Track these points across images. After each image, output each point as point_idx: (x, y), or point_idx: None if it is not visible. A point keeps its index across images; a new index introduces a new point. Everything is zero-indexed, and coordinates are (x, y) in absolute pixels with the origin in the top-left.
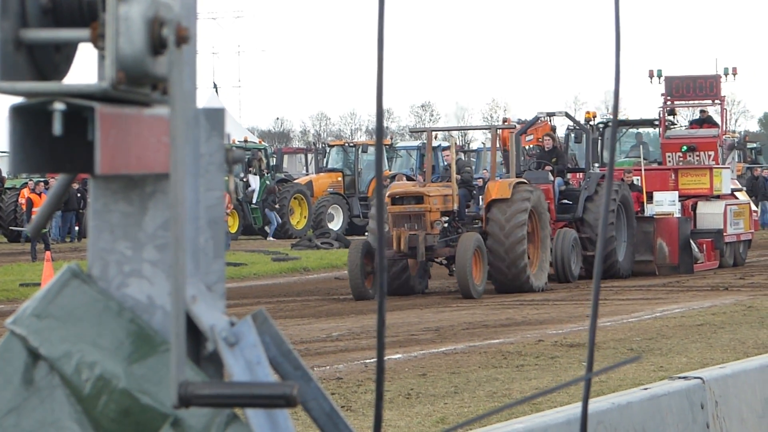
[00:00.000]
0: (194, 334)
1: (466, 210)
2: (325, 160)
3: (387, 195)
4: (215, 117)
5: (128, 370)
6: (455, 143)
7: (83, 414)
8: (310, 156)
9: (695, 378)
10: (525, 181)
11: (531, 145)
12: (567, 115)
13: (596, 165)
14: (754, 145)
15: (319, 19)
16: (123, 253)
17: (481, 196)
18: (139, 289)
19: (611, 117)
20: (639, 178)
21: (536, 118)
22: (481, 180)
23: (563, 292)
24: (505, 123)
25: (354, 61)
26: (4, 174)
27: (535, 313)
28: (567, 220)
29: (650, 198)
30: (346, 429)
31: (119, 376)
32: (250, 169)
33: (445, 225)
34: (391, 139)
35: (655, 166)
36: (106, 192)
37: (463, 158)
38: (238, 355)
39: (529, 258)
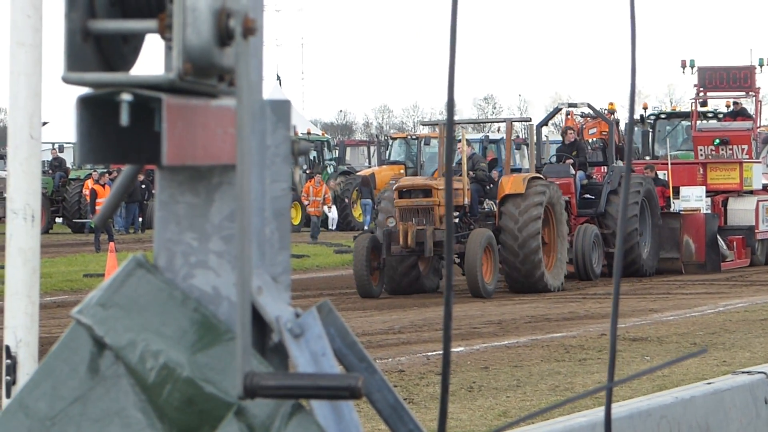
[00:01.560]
0: (259, 324)
1: (480, 207)
2: (387, 152)
3: (394, 188)
4: (281, 109)
5: (192, 359)
6: (464, 136)
7: (147, 403)
8: (372, 148)
9: (759, 373)
10: (540, 176)
11: (594, 138)
12: (589, 105)
13: (647, 157)
14: None
15: (383, 11)
16: (189, 244)
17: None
18: (205, 280)
19: (667, 109)
20: (666, 172)
21: (557, 109)
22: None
23: (626, 285)
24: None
25: (417, 54)
26: (69, 165)
27: (598, 306)
28: (589, 215)
29: (677, 193)
30: (411, 421)
31: (183, 365)
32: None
33: (456, 220)
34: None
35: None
36: (173, 183)
37: (478, 153)
38: (303, 347)
39: (544, 256)
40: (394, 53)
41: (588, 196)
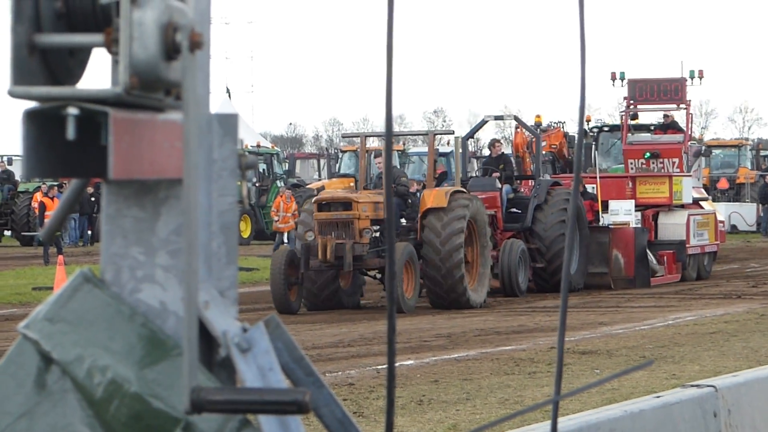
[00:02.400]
0: (207, 339)
1: (402, 221)
2: (337, 165)
3: (313, 201)
4: (228, 122)
5: (140, 375)
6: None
7: (95, 418)
8: (322, 161)
9: (708, 386)
10: (463, 190)
11: (545, 151)
12: (515, 118)
13: (589, 170)
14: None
15: (331, 24)
16: (136, 258)
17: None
18: (152, 295)
19: (607, 123)
20: (594, 186)
21: (483, 122)
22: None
23: (575, 298)
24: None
25: (367, 67)
26: (18, 177)
27: (548, 320)
28: (515, 230)
29: (606, 207)
30: None
31: (131, 381)
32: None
33: (377, 234)
34: (404, 144)
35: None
36: (119, 197)
37: (398, 167)
38: (250, 361)
39: (466, 271)
40: (343, 66)
41: (514, 210)
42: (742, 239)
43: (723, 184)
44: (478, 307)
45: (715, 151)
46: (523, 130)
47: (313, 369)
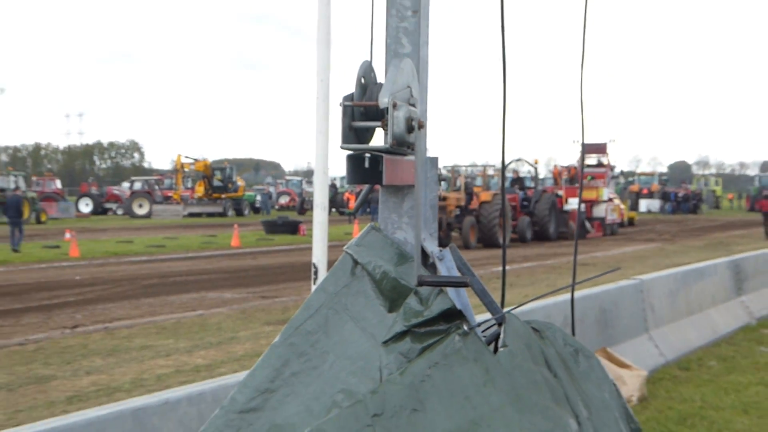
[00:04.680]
0: (424, 254)
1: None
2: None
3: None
4: (433, 161)
5: (395, 269)
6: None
7: (376, 288)
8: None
9: (638, 279)
10: (498, 193)
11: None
12: (529, 163)
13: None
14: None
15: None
16: (393, 219)
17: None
18: (401, 235)
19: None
20: (562, 192)
21: (511, 161)
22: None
23: (555, 245)
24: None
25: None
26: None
27: (549, 251)
28: (525, 212)
29: (567, 201)
30: (490, 296)
31: (391, 271)
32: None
33: (457, 212)
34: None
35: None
36: (387, 192)
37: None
38: (443, 264)
39: (499, 230)
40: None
41: (526, 203)
42: (652, 216)
43: (644, 191)
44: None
45: (643, 177)
46: (558, 165)
47: (470, 268)
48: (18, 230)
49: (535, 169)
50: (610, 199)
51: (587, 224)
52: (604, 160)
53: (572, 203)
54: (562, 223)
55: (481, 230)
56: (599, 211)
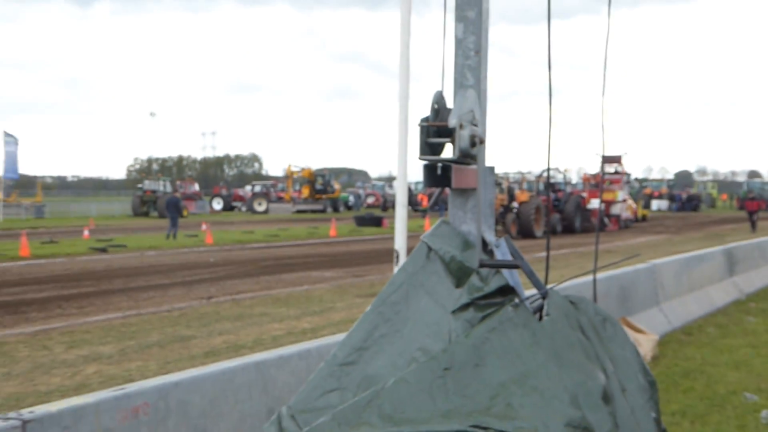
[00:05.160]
0: (484, 242)
1: (513, 204)
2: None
3: None
4: (491, 170)
5: (461, 254)
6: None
7: (446, 269)
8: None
9: (651, 263)
10: (534, 194)
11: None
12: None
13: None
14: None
15: None
16: (460, 214)
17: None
18: (465, 227)
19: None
20: (585, 194)
21: (542, 172)
22: None
23: (582, 235)
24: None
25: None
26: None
27: (580, 240)
28: (556, 210)
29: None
30: (537, 279)
31: (458, 256)
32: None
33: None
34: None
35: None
36: (455, 193)
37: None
38: (498, 251)
39: (536, 224)
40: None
41: (557, 203)
42: (661, 214)
43: (655, 194)
44: (538, 237)
45: (654, 182)
46: (586, 173)
47: (520, 254)
48: (174, 224)
49: (564, 176)
50: (624, 200)
51: (605, 220)
52: (620, 169)
53: (594, 203)
54: (586, 218)
55: (520, 224)
56: (615, 209)
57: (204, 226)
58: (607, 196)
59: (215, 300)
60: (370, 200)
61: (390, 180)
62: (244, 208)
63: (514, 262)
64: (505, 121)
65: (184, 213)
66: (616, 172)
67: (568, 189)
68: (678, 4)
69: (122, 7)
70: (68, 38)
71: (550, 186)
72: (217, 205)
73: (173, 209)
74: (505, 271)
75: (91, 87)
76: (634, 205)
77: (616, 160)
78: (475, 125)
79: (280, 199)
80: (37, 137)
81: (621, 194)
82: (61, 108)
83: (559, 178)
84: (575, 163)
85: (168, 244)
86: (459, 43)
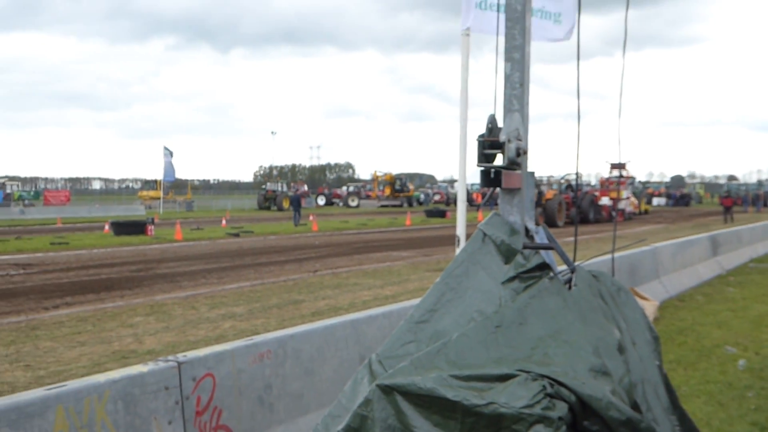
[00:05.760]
0: (526, 230)
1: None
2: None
3: None
4: (532, 174)
5: (509, 239)
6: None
7: (498, 250)
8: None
9: (653, 246)
10: (557, 192)
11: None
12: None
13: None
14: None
15: None
16: (508, 208)
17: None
18: (513, 218)
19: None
20: (596, 194)
21: (563, 177)
22: None
23: (598, 225)
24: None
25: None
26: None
27: (596, 229)
28: (575, 205)
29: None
30: (568, 258)
31: (507, 240)
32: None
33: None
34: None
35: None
36: (504, 192)
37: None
38: (537, 236)
39: (558, 215)
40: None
41: (574, 199)
42: (660, 208)
43: (655, 193)
44: (560, 227)
45: (655, 184)
46: (604, 177)
47: (554, 238)
48: (298, 214)
49: (580, 178)
50: (628, 197)
51: (613, 213)
52: (624, 173)
53: (604, 200)
54: (597, 212)
55: (546, 216)
56: (621, 204)
57: (311, 217)
58: (614, 195)
59: (319, 273)
60: (437, 198)
61: (451, 182)
62: (341, 204)
63: (550, 245)
64: (540, 136)
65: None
66: (621, 176)
67: (584, 189)
68: (675, 48)
69: (252, 53)
70: (212, 76)
71: (569, 185)
72: (321, 201)
73: (296, 204)
74: (542, 252)
75: (229, 112)
76: (635, 201)
77: (622, 166)
78: (520, 140)
79: (368, 197)
80: (188, 150)
81: (625, 193)
82: (207, 128)
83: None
84: (591, 169)
85: (287, 230)
86: (507, 78)
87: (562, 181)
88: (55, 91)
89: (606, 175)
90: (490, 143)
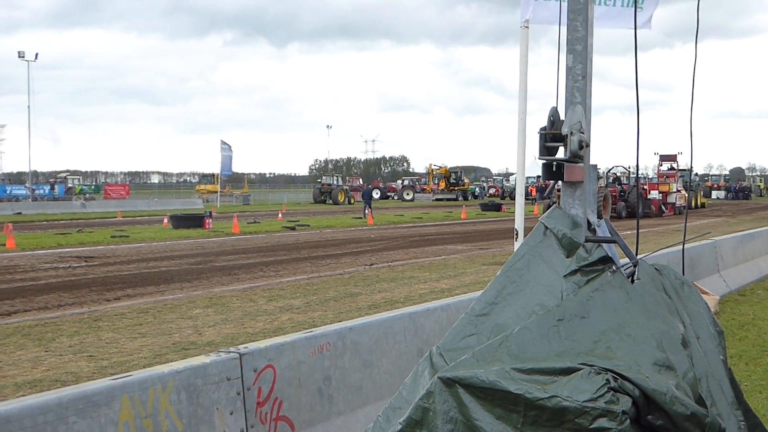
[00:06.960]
0: (588, 223)
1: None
2: None
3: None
4: (594, 167)
5: (571, 232)
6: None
7: (559, 243)
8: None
9: (713, 240)
10: (603, 186)
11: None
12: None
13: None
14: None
15: None
16: (570, 201)
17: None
18: (574, 211)
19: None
20: (646, 186)
21: (608, 169)
22: None
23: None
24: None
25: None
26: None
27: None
28: (622, 199)
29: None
30: (630, 252)
31: (569, 233)
32: None
33: None
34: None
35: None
36: (566, 185)
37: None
38: (600, 230)
39: (604, 209)
40: None
41: (623, 193)
42: (720, 202)
43: (714, 186)
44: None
45: (714, 176)
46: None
47: (616, 231)
48: (369, 207)
49: (629, 172)
50: (678, 191)
51: (663, 207)
52: (675, 165)
53: (653, 194)
54: (646, 206)
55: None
56: (671, 198)
57: (367, 211)
58: (663, 188)
59: (375, 266)
60: (492, 191)
61: (507, 175)
62: (396, 197)
63: (612, 238)
64: (596, 129)
65: (351, 201)
66: (672, 168)
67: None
68: (734, 39)
69: (308, 47)
70: (269, 71)
71: (617, 180)
72: (376, 194)
73: (368, 197)
74: (604, 245)
75: (285, 106)
76: (685, 194)
77: (672, 158)
78: (582, 133)
79: (423, 190)
80: (246, 144)
81: (675, 186)
82: (263, 122)
83: (622, 172)
84: (641, 162)
85: (343, 224)
86: (569, 70)
87: (609, 174)
88: (116, 86)
89: (656, 167)
90: (551, 136)
